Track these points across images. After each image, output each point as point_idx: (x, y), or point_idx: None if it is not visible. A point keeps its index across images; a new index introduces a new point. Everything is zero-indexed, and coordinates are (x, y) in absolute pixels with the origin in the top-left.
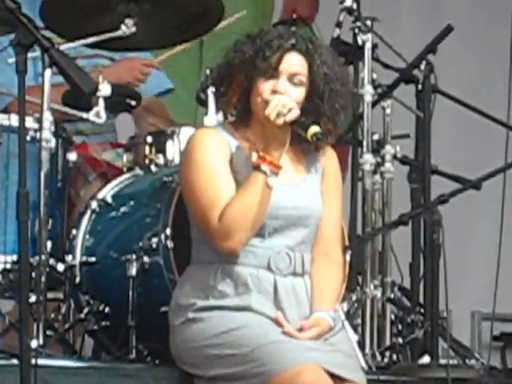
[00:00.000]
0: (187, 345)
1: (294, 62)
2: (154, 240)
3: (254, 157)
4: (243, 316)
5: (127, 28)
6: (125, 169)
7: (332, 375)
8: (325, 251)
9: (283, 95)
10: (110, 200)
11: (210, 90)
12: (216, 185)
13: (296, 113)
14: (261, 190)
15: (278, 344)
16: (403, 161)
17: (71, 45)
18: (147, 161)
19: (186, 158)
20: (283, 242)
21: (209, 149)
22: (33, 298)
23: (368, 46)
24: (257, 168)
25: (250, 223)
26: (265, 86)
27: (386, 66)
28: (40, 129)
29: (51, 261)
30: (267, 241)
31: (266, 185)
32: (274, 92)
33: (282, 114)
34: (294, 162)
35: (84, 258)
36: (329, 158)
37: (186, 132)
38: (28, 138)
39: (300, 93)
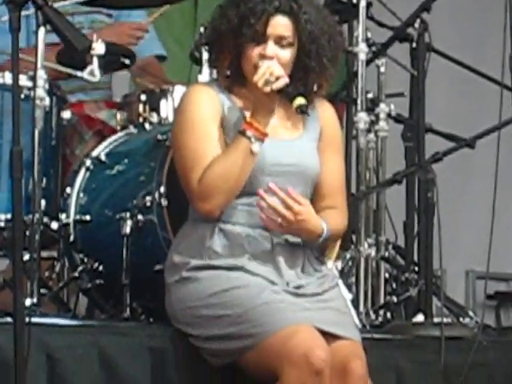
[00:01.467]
0: (182, 304)
1: (279, 25)
2: (148, 198)
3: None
4: (237, 276)
5: None
6: (118, 127)
7: (326, 333)
8: (330, 204)
9: (272, 60)
10: (103, 158)
11: (204, 49)
12: (201, 144)
13: (284, 81)
14: (243, 156)
15: (270, 305)
16: (397, 119)
17: (65, 3)
18: (141, 119)
19: (177, 115)
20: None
21: (199, 107)
22: (27, 257)
23: (362, 4)
24: (242, 133)
25: (229, 188)
26: (253, 52)
27: (381, 24)
28: (34, 87)
29: (45, 219)
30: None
31: (250, 151)
32: (263, 57)
33: (270, 81)
34: (290, 118)
35: (78, 217)
36: (326, 113)
37: (179, 90)
38: (22, 96)
39: (289, 53)
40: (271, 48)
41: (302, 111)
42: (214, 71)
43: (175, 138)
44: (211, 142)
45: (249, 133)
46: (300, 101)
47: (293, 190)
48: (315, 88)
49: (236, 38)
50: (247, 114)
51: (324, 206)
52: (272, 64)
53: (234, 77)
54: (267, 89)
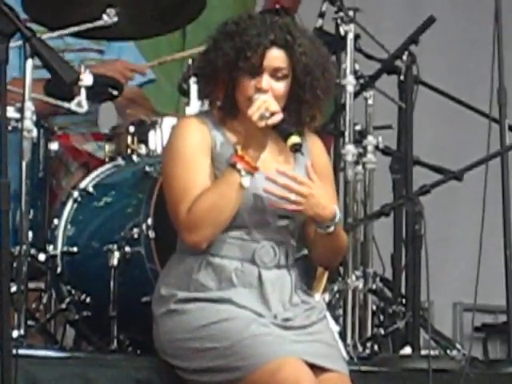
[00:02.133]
0: (169, 336)
1: (274, 58)
2: (136, 230)
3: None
4: (224, 309)
5: (109, 17)
6: (107, 159)
7: (313, 366)
8: None
9: (267, 94)
10: (91, 190)
11: (192, 81)
12: (190, 176)
13: (279, 117)
14: (233, 189)
15: (258, 337)
16: (385, 151)
17: (53, 34)
18: (129, 151)
19: (167, 146)
20: (268, 235)
21: (189, 138)
22: (14, 288)
23: (350, 36)
24: (232, 166)
25: (218, 220)
26: (248, 85)
27: (369, 56)
28: (21, 118)
29: (32, 251)
30: (252, 233)
31: (240, 184)
32: (258, 90)
33: (265, 117)
34: (282, 153)
35: (65, 248)
36: (315, 146)
37: (168, 122)
38: (9, 127)
39: (283, 85)
40: (266, 81)
41: (297, 150)
42: (205, 103)
43: (165, 169)
44: (201, 174)
45: (239, 166)
46: (295, 139)
47: (299, 175)
48: (308, 120)
49: (231, 71)
50: (239, 147)
51: None
52: (267, 98)
53: (227, 109)
54: (262, 124)
